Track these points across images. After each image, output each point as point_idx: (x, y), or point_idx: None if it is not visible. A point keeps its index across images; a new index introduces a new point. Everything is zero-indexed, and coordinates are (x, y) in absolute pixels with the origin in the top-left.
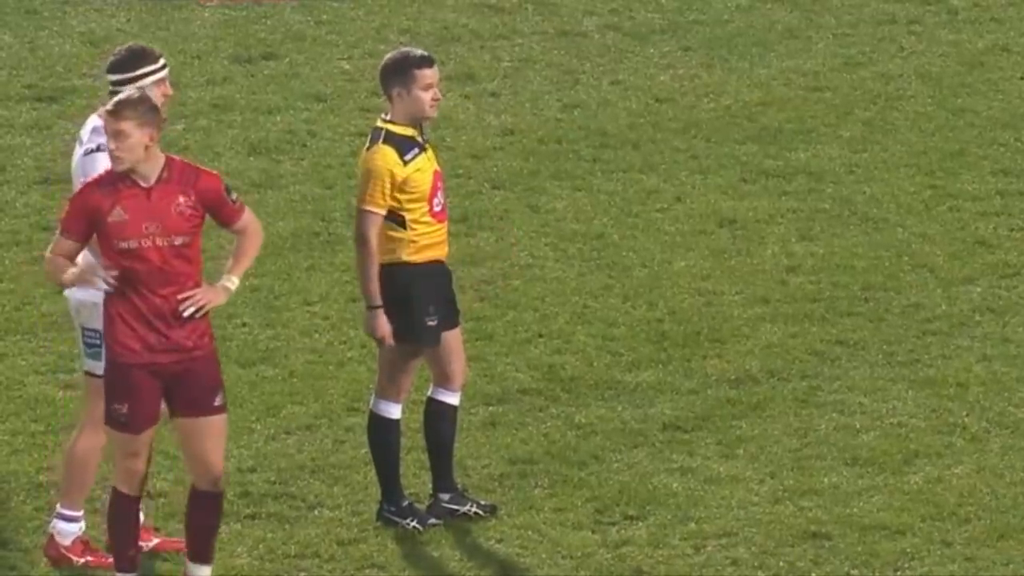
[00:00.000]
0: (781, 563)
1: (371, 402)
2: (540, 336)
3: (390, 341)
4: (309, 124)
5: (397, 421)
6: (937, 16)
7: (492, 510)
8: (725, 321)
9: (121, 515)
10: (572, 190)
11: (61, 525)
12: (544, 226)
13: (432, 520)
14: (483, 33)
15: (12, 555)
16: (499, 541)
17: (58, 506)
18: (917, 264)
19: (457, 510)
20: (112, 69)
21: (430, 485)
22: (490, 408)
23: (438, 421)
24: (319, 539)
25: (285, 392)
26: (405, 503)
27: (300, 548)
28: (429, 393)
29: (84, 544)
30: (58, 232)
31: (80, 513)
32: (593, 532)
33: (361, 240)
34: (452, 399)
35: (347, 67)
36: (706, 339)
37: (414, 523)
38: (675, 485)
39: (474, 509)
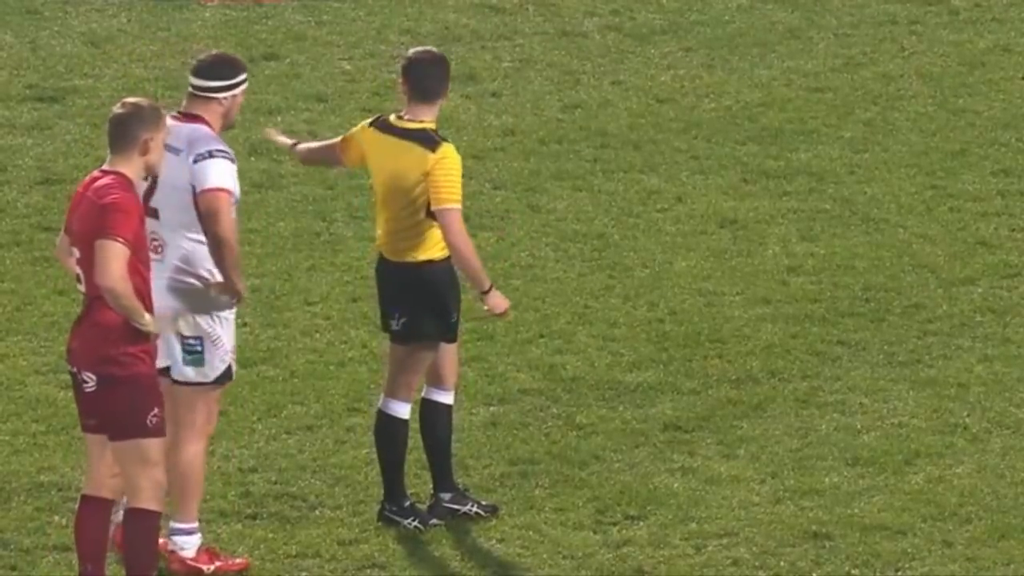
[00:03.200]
0: (782, 563)
1: (380, 401)
2: (541, 336)
3: (508, 312)
4: (310, 124)
5: (406, 421)
6: (938, 16)
7: (493, 510)
8: (726, 321)
9: (155, 536)
10: (573, 190)
11: (182, 539)
12: (545, 226)
13: (433, 520)
14: (484, 33)
15: (13, 555)
16: (500, 541)
17: (172, 522)
18: (918, 264)
19: (458, 510)
20: (210, 75)
21: (431, 485)
22: (491, 408)
23: (435, 422)
24: (320, 539)
25: (286, 392)
26: (407, 503)
27: (301, 548)
28: (423, 394)
29: (209, 552)
30: (121, 243)
31: (196, 524)
32: (594, 532)
33: (462, 238)
34: (446, 398)
35: (348, 67)
36: (707, 339)
37: (415, 523)
38: (676, 485)
39: (475, 509)
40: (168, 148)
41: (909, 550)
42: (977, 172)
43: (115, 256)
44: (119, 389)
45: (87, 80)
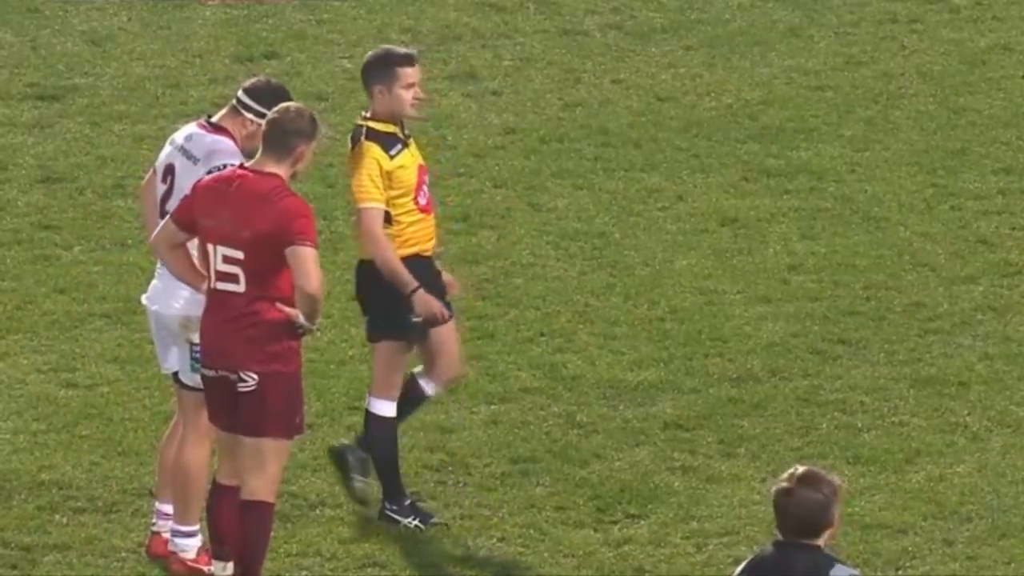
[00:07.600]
0: None
1: (367, 401)
2: (542, 335)
3: (445, 314)
4: None
5: (393, 419)
6: (939, 15)
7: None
8: (727, 320)
9: (271, 528)
10: (573, 189)
11: (183, 541)
12: (546, 225)
13: (434, 519)
14: (485, 32)
15: (14, 554)
16: (501, 540)
17: (172, 524)
18: (919, 263)
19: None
20: (253, 94)
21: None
22: (492, 407)
23: (409, 401)
24: (320, 538)
25: None
26: (407, 501)
27: (302, 547)
28: (413, 370)
29: (209, 552)
30: (314, 247)
31: (197, 527)
32: (595, 531)
33: (371, 238)
34: (428, 389)
35: (348, 66)
36: (708, 338)
37: (416, 522)
38: (677, 484)
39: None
40: (187, 155)
41: (910, 549)
42: (978, 171)
43: (315, 262)
44: (282, 385)
45: (87, 79)
